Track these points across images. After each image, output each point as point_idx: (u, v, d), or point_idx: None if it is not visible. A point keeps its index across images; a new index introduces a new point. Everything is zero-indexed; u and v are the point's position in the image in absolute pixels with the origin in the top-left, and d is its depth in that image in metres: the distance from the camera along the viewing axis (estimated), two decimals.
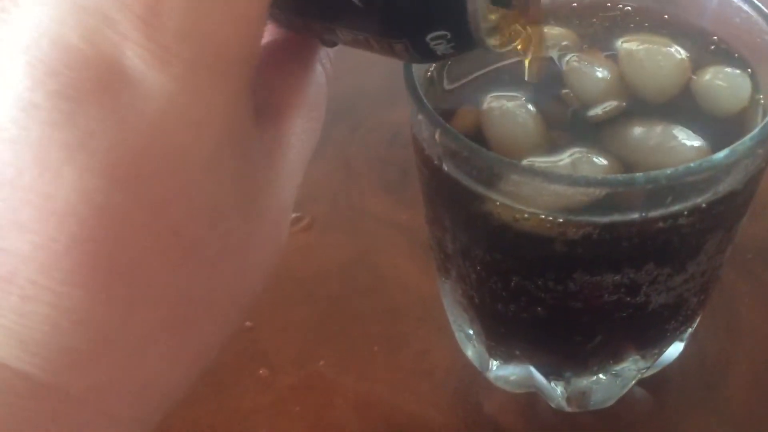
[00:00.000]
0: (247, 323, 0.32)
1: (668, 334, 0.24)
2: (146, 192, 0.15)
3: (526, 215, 0.19)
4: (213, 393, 0.30)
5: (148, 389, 0.17)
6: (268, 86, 0.18)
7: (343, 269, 0.34)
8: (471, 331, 0.27)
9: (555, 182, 0.18)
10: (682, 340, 0.26)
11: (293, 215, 0.38)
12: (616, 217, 0.19)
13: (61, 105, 0.14)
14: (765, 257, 0.32)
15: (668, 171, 0.18)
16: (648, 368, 0.26)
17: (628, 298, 0.21)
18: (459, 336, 0.29)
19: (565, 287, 0.21)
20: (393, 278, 0.34)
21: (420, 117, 0.20)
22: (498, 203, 0.20)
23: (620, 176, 0.18)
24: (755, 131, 0.19)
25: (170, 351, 0.16)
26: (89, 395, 0.15)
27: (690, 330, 0.26)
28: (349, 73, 0.45)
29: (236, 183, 0.16)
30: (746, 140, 0.18)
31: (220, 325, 0.18)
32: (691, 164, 0.18)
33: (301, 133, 0.18)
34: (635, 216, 0.19)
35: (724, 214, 0.20)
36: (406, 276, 0.34)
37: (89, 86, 0.14)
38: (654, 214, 0.19)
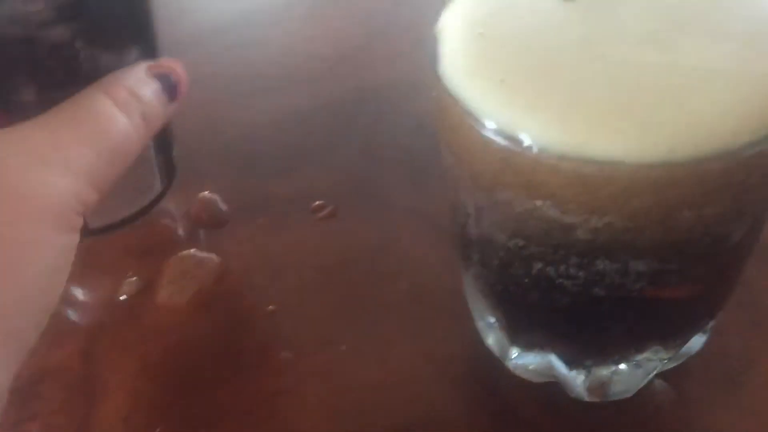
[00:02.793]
0: (270, 307, 0.33)
1: (690, 325, 0.24)
2: None
3: (548, 202, 0.20)
4: (235, 375, 0.31)
5: None
6: None
7: (365, 257, 0.35)
8: (492, 320, 0.27)
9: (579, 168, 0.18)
10: (705, 332, 0.26)
11: (317, 202, 0.39)
12: (638, 204, 0.19)
13: None
14: None
15: (691, 159, 0.18)
16: (670, 359, 0.26)
17: (651, 287, 0.21)
18: (480, 324, 0.29)
19: (587, 274, 0.21)
20: (415, 267, 0.34)
21: (447, 103, 0.20)
22: (520, 190, 0.20)
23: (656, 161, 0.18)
24: None
25: None
26: None
27: (712, 322, 0.26)
28: (375, 63, 0.46)
29: None
30: None
31: None
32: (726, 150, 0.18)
33: None
34: (656, 204, 0.19)
35: (751, 203, 0.20)
36: (428, 265, 0.34)
37: None
38: (678, 202, 0.19)
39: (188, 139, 0.35)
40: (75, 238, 0.23)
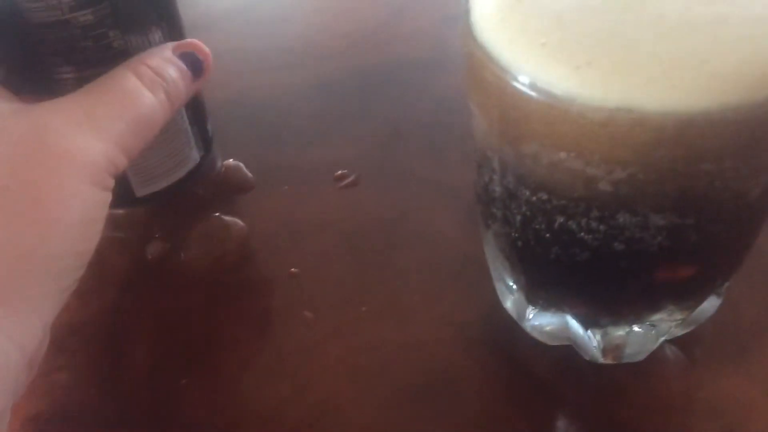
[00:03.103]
0: (292, 269, 0.34)
1: (705, 285, 0.25)
2: None
3: (573, 154, 0.20)
4: (257, 332, 0.32)
5: None
6: None
7: (385, 225, 0.36)
8: (511, 282, 0.28)
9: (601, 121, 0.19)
10: (719, 296, 0.27)
11: (339, 171, 0.40)
12: (663, 155, 0.19)
13: None
14: None
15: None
16: (683, 320, 0.26)
17: (669, 242, 0.22)
18: (498, 287, 0.30)
19: (607, 228, 0.22)
20: (433, 235, 0.35)
21: (481, 58, 0.21)
22: (546, 142, 0.21)
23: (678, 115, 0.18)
24: None
25: None
26: None
27: (726, 284, 0.27)
28: (397, 41, 0.47)
29: None
30: None
31: None
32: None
33: None
34: (681, 155, 0.19)
35: None
36: (446, 234, 0.35)
37: None
38: (701, 153, 0.19)
39: (216, 110, 0.37)
40: (107, 195, 0.25)
